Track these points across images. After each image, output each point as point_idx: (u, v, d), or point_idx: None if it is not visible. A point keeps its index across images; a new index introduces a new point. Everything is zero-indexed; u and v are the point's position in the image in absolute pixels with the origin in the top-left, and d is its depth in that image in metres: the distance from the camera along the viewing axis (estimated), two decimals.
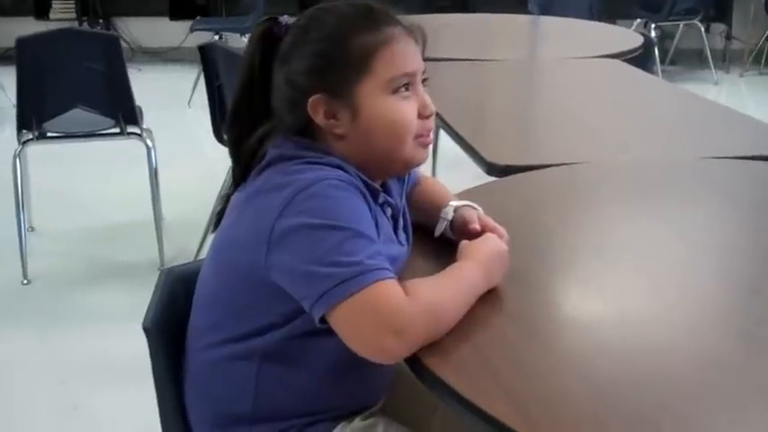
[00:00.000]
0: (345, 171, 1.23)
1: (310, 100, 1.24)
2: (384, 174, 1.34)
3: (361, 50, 1.24)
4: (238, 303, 1.27)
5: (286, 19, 1.31)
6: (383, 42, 1.25)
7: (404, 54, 1.26)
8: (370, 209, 1.24)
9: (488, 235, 1.33)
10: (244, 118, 1.32)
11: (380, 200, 1.29)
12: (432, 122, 1.32)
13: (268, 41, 1.30)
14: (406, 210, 1.41)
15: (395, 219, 1.36)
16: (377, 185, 1.29)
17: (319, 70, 1.25)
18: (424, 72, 1.30)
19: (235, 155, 1.33)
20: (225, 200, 1.33)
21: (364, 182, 1.25)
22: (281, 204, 1.16)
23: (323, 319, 1.14)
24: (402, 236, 1.36)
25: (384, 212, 1.31)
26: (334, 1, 1.30)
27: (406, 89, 1.27)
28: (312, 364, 1.27)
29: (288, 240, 1.15)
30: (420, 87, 1.30)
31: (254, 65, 1.30)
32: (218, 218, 1.34)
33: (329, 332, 1.16)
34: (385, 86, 1.25)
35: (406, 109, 1.27)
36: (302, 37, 1.27)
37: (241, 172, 1.31)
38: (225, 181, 3.28)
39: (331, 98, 1.25)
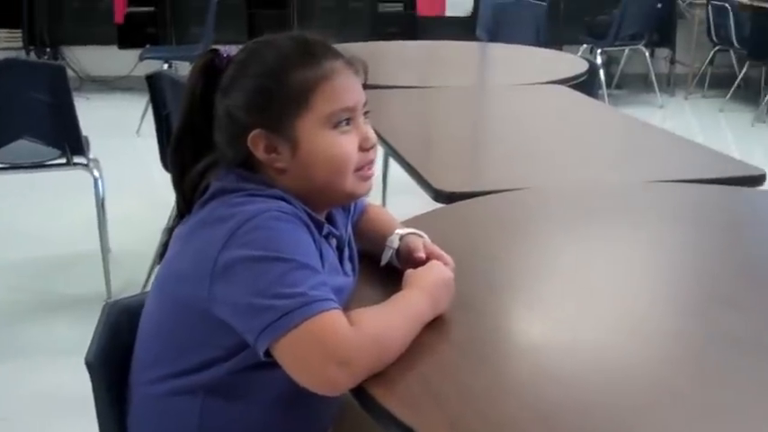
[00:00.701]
0: (288, 202, 1.22)
1: (250, 135, 1.24)
2: (326, 205, 1.33)
3: (300, 86, 1.24)
4: (181, 337, 1.25)
5: (227, 50, 1.30)
6: (322, 77, 1.24)
7: (344, 88, 1.26)
8: (314, 240, 1.23)
9: (434, 262, 1.33)
10: (186, 149, 1.32)
11: (324, 231, 1.29)
12: (373, 154, 1.31)
13: (209, 73, 1.29)
14: (352, 240, 1.41)
15: (340, 249, 1.35)
16: (320, 217, 1.29)
17: (259, 105, 1.24)
18: (365, 104, 1.30)
19: (178, 187, 1.33)
20: (169, 232, 1.32)
21: (307, 213, 1.25)
22: (224, 237, 1.15)
23: (267, 353, 1.13)
24: (348, 266, 1.36)
25: (329, 243, 1.31)
26: (275, 34, 1.30)
27: (347, 123, 1.27)
28: (257, 397, 1.26)
29: (231, 273, 1.14)
30: (361, 120, 1.29)
31: (195, 96, 1.30)
32: (162, 250, 1.33)
33: (273, 365, 1.14)
34: (324, 121, 1.25)
35: (345, 143, 1.26)
36: (242, 71, 1.26)
37: (185, 204, 1.30)
38: (172, 211, 3.25)
39: (271, 133, 1.24)
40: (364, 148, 1.29)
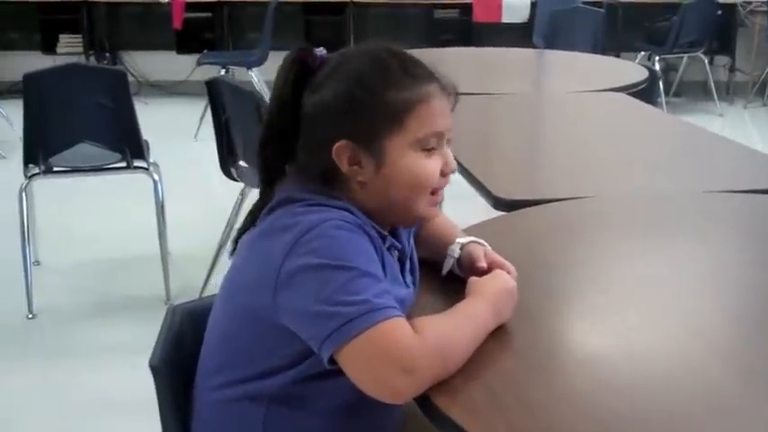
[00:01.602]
0: (351, 213, 1.23)
1: (336, 145, 1.23)
2: (392, 223, 1.33)
3: (397, 105, 1.23)
4: (248, 344, 1.26)
5: (321, 51, 1.29)
6: (419, 101, 1.23)
7: (438, 113, 1.26)
8: (376, 249, 1.23)
9: (497, 271, 1.33)
10: (271, 150, 1.30)
11: (387, 243, 1.29)
12: (449, 180, 1.31)
13: (300, 71, 1.27)
14: (414, 253, 1.41)
15: (401, 261, 1.35)
16: (383, 231, 1.29)
17: (351, 116, 1.23)
18: (450, 131, 1.30)
19: (262, 178, 1.32)
20: (239, 234, 1.32)
21: (371, 225, 1.25)
22: (287, 246, 1.16)
23: (332, 360, 1.14)
24: (409, 278, 1.36)
25: (391, 254, 1.31)
26: (373, 43, 1.29)
27: (434, 147, 1.26)
28: (320, 406, 1.26)
29: (294, 282, 1.15)
30: (445, 145, 1.29)
31: (285, 94, 1.27)
32: (235, 246, 1.33)
33: (337, 373, 1.15)
34: (415, 143, 1.24)
35: (430, 166, 1.26)
36: (337, 77, 1.25)
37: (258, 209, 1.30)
38: (230, 216, 3.28)
39: (357, 146, 1.24)
40: (445, 173, 1.29)
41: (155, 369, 1.35)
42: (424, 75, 1.26)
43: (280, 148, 1.29)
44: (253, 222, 1.30)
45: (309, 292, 1.14)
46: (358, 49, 1.29)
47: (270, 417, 1.26)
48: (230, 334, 1.29)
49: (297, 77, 1.27)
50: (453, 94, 1.30)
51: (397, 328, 1.12)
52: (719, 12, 7.07)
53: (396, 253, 1.33)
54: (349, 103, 1.23)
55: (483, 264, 1.35)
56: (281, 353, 1.23)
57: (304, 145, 1.28)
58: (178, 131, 5.93)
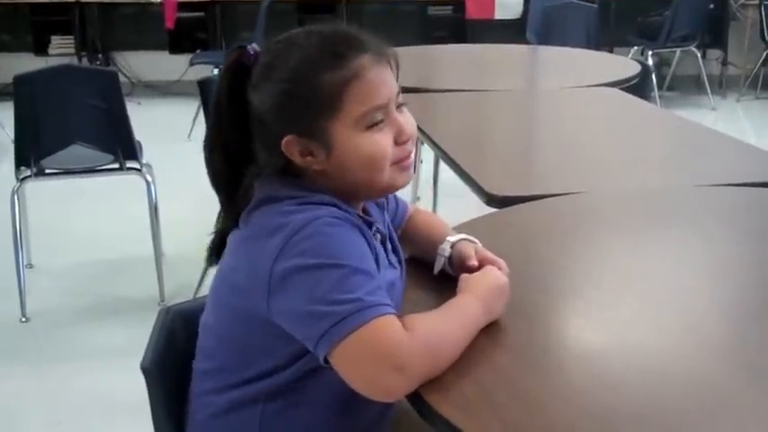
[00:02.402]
0: (338, 208, 1.22)
1: (283, 141, 1.22)
2: (364, 199, 1.32)
3: (329, 89, 1.20)
4: (243, 347, 1.26)
5: (254, 47, 1.27)
6: (351, 77, 1.20)
7: (374, 86, 1.22)
8: (368, 241, 1.23)
9: (489, 268, 1.32)
10: (219, 153, 1.29)
11: (373, 229, 1.28)
12: (410, 146, 1.28)
13: (239, 72, 1.26)
14: (392, 231, 1.40)
15: (383, 243, 1.34)
16: (368, 218, 1.29)
17: (289, 111, 1.22)
18: (399, 94, 1.27)
19: (221, 191, 1.31)
20: (218, 236, 1.31)
21: (357, 215, 1.25)
22: (278, 247, 1.15)
23: (327, 359, 1.14)
24: (393, 258, 1.35)
25: (376, 240, 1.30)
26: (298, 31, 1.26)
27: (381, 121, 1.24)
28: (316, 399, 1.26)
29: (287, 283, 1.14)
30: (394, 114, 1.25)
31: (223, 97, 1.26)
32: (210, 253, 1.33)
33: (332, 368, 1.15)
34: (357, 122, 1.22)
35: (379, 141, 1.23)
36: (268, 75, 1.23)
37: (234, 211, 1.28)
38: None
39: (304, 138, 1.23)
40: (399, 142, 1.26)
41: (146, 371, 1.34)
42: (352, 50, 1.22)
43: (229, 153, 1.28)
44: (223, 238, 1.29)
45: (302, 292, 1.13)
46: (283, 40, 1.26)
47: (267, 413, 1.26)
48: (224, 338, 1.28)
49: (235, 78, 1.26)
50: (390, 57, 1.26)
51: (387, 325, 1.12)
52: (712, 6, 7.08)
53: (378, 236, 1.32)
54: (284, 97, 1.22)
55: (474, 262, 1.34)
56: (277, 353, 1.22)
57: (258, 145, 1.27)
58: (171, 132, 5.92)
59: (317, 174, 1.26)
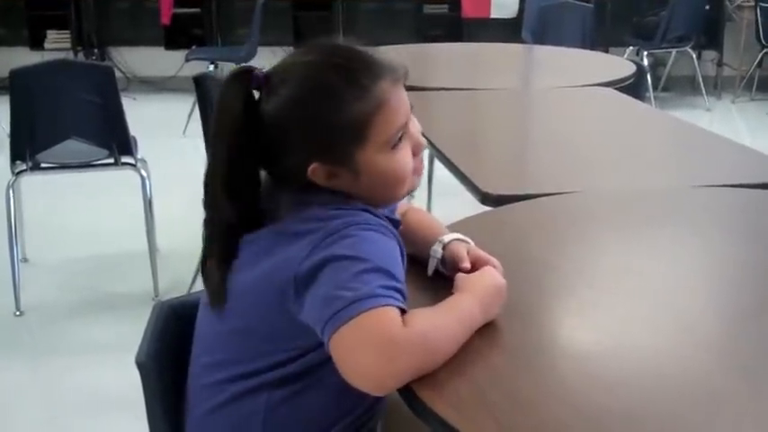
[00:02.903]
0: (373, 215, 1.24)
1: (309, 169, 1.24)
2: (382, 206, 1.33)
3: (356, 121, 1.23)
4: (254, 343, 1.26)
5: (260, 72, 1.27)
6: (375, 108, 1.23)
7: (396, 110, 1.26)
8: (400, 247, 1.24)
9: (487, 268, 1.32)
10: (237, 171, 1.27)
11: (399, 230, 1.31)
12: (421, 152, 1.34)
13: (245, 91, 1.25)
14: None
15: None
16: (396, 218, 1.34)
17: (315, 142, 1.24)
18: (411, 108, 1.30)
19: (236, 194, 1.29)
20: (225, 235, 1.30)
21: (388, 218, 1.27)
22: (310, 246, 1.17)
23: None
24: None
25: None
26: (315, 55, 1.27)
27: (401, 138, 1.27)
28: (320, 383, 1.26)
29: (317, 274, 1.16)
30: (410, 127, 1.30)
31: (236, 119, 1.25)
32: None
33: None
34: (383, 146, 1.25)
35: (403, 157, 1.28)
36: (291, 111, 1.24)
37: (246, 211, 1.27)
38: None
39: (329, 165, 1.25)
40: (416, 153, 1.31)
41: (141, 365, 1.35)
42: (372, 78, 1.24)
43: (250, 173, 1.27)
44: (227, 249, 1.27)
45: (325, 280, 1.15)
46: (302, 66, 1.27)
47: (272, 401, 1.26)
48: (237, 333, 1.28)
49: (244, 98, 1.25)
50: (403, 74, 1.29)
51: (386, 316, 1.12)
52: (707, 7, 7.09)
53: None
54: (308, 131, 1.23)
55: (467, 264, 1.35)
56: (291, 346, 1.24)
57: (277, 169, 1.28)
58: (167, 127, 5.92)
59: (340, 192, 1.28)
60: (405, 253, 1.26)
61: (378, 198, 1.30)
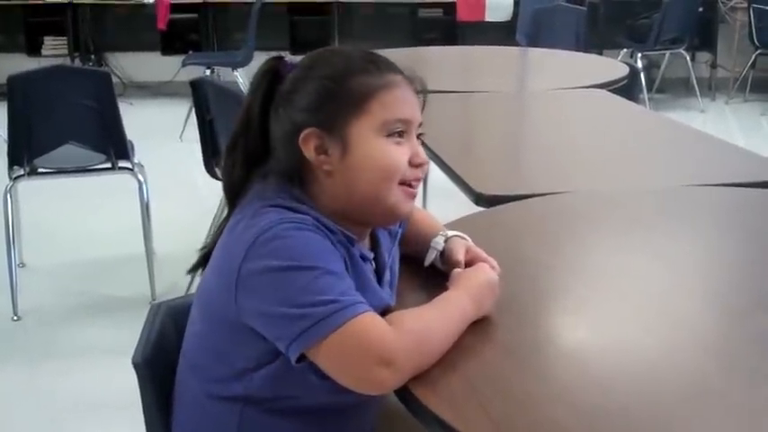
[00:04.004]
0: (313, 218, 1.21)
1: (303, 133, 1.24)
2: (366, 220, 1.32)
3: (360, 90, 1.25)
4: (216, 345, 1.26)
5: (291, 59, 1.32)
6: (383, 86, 1.25)
7: (402, 100, 1.27)
8: (339, 251, 1.22)
9: (480, 264, 1.34)
10: (238, 154, 1.31)
11: (356, 251, 1.27)
12: (421, 173, 1.30)
13: (272, 80, 1.30)
14: (396, 266, 1.41)
15: (378, 273, 1.35)
16: (352, 235, 1.27)
17: (317, 105, 1.25)
18: (420, 125, 1.31)
19: (227, 190, 1.33)
20: (214, 237, 1.33)
21: (339, 230, 1.24)
22: (245, 248, 1.16)
23: (300, 359, 1.15)
24: (387, 291, 1.35)
25: (363, 262, 1.30)
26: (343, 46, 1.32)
27: (400, 135, 1.26)
28: (295, 408, 1.27)
29: (255, 284, 1.16)
30: (414, 137, 1.29)
31: (255, 102, 1.30)
32: (195, 265, 1.35)
33: (309, 375, 1.17)
34: (379, 128, 1.25)
35: (396, 152, 1.26)
36: (306, 73, 1.28)
37: (232, 208, 1.31)
38: (215, 216, 3.28)
39: (323, 132, 1.25)
40: (414, 163, 1.28)
41: (137, 366, 1.36)
42: (390, 66, 1.29)
43: (249, 160, 1.30)
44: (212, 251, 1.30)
45: (272, 294, 1.14)
46: (329, 48, 1.32)
47: (245, 418, 1.27)
48: (202, 333, 1.29)
49: (269, 86, 1.29)
50: (421, 90, 1.31)
51: (369, 322, 1.14)
52: (701, 8, 7.11)
53: (371, 264, 1.33)
54: (317, 95, 1.25)
55: (460, 257, 1.36)
56: (248, 353, 1.23)
57: (273, 141, 1.29)
58: (163, 132, 5.92)
59: (323, 178, 1.26)
60: (348, 261, 1.24)
61: (356, 199, 1.26)
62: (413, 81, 1.30)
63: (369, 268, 1.31)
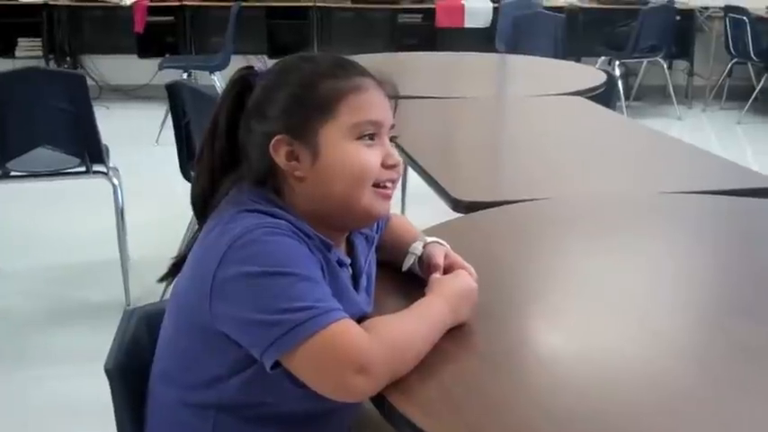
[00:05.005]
0: (288, 222, 1.20)
1: (273, 139, 1.24)
2: (342, 224, 1.31)
3: (328, 94, 1.24)
4: (189, 351, 1.25)
5: (261, 68, 1.31)
6: (351, 89, 1.25)
7: (371, 103, 1.26)
8: (315, 256, 1.21)
9: (458, 271, 1.34)
10: (205, 164, 1.30)
11: (333, 256, 1.26)
12: (396, 174, 1.29)
13: (241, 90, 1.29)
14: (373, 271, 1.40)
15: (355, 278, 1.34)
16: (329, 240, 1.26)
17: (286, 112, 1.24)
18: (392, 128, 1.30)
19: (197, 200, 1.32)
20: (187, 247, 1.32)
21: (315, 235, 1.23)
22: (219, 253, 1.15)
23: (275, 366, 1.14)
24: (363, 296, 1.33)
25: (339, 268, 1.29)
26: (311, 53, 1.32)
27: (371, 138, 1.26)
28: (269, 415, 1.26)
29: (229, 290, 1.14)
30: (386, 139, 1.29)
31: (222, 111, 1.29)
32: (168, 273, 1.33)
33: (284, 383, 1.16)
34: (349, 132, 1.24)
35: (367, 155, 1.25)
36: (275, 82, 1.27)
37: (202, 217, 1.30)
38: (191, 221, 3.26)
39: (294, 139, 1.24)
40: (387, 164, 1.27)
41: (109, 373, 1.34)
42: (358, 70, 1.28)
43: (214, 165, 1.29)
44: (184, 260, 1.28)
45: (247, 300, 1.13)
46: (296, 56, 1.31)
47: (218, 426, 1.25)
48: (174, 340, 1.28)
49: (238, 95, 1.29)
50: (392, 91, 1.31)
51: (345, 329, 1.13)
52: (678, 17, 7.17)
53: (347, 269, 1.32)
54: (283, 100, 1.25)
55: (439, 261, 1.36)
56: (221, 360, 1.21)
57: (244, 150, 1.28)
58: (140, 136, 5.89)
59: (295, 183, 1.26)
60: (325, 267, 1.23)
61: (330, 203, 1.26)
62: (383, 84, 1.29)
63: (346, 274, 1.30)
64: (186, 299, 1.22)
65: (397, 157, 1.29)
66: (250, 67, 1.31)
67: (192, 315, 1.21)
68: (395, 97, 1.32)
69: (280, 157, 1.24)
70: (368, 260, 1.38)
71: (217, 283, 1.15)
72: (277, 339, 1.11)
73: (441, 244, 1.43)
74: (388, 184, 1.29)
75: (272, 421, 1.26)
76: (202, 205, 1.30)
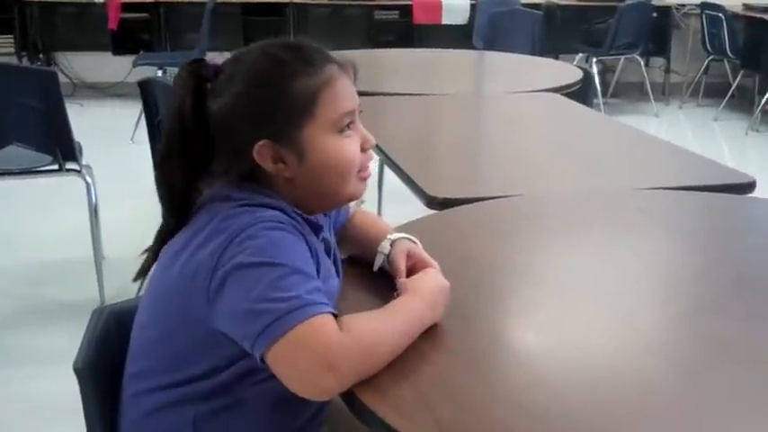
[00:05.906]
0: (284, 212, 1.22)
1: (256, 147, 1.23)
2: (323, 208, 1.35)
3: (304, 94, 1.23)
4: (178, 350, 1.24)
5: (213, 60, 1.29)
6: (323, 84, 1.25)
7: (343, 93, 1.27)
8: (310, 247, 1.23)
9: (429, 270, 1.33)
10: (176, 163, 1.27)
11: (320, 236, 1.29)
12: (371, 153, 1.33)
13: (197, 84, 1.26)
14: (334, 241, 1.42)
15: (327, 252, 1.35)
16: (317, 222, 1.29)
17: (262, 117, 1.23)
18: (358, 107, 1.31)
19: (167, 199, 1.30)
20: (159, 241, 1.30)
21: (306, 220, 1.25)
22: (219, 249, 1.15)
23: (263, 359, 1.13)
24: (333, 268, 1.36)
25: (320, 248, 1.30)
26: (264, 42, 1.29)
27: (349, 127, 1.27)
28: (248, 402, 1.25)
29: (227, 283, 1.14)
30: (359, 123, 1.30)
31: (184, 108, 1.25)
32: (148, 261, 1.31)
33: (264, 371, 1.14)
34: (329, 127, 1.25)
35: (350, 146, 1.28)
36: (238, 82, 1.24)
37: (175, 217, 1.28)
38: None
39: (276, 143, 1.24)
40: (365, 148, 1.31)
41: (78, 372, 1.32)
42: (321, 59, 1.27)
43: (186, 163, 1.27)
44: (169, 231, 1.28)
45: (241, 291, 1.13)
46: (251, 50, 1.28)
47: (199, 415, 1.25)
48: (161, 339, 1.26)
49: (195, 90, 1.26)
50: (353, 70, 1.31)
51: (322, 324, 1.12)
52: (655, 14, 7.21)
53: (323, 245, 1.33)
54: (257, 104, 1.23)
55: (401, 266, 1.36)
56: (213, 356, 1.21)
57: (221, 153, 1.27)
58: (114, 134, 5.85)
59: (282, 181, 1.27)
60: (316, 253, 1.25)
61: (320, 192, 1.29)
62: (344, 66, 1.30)
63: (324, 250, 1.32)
64: (178, 299, 1.20)
65: (370, 137, 1.32)
66: (201, 60, 1.28)
67: (185, 314, 1.19)
68: (356, 73, 1.32)
69: (266, 162, 1.25)
70: (331, 234, 1.42)
71: (216, 279, 1.14)
72: (264, 330, 1.10)
73: (409, 239, 1.42)
74: (366, 166, 1.32)
75: (252, 408, 1.25)
76: (177, 204, 1.28)
